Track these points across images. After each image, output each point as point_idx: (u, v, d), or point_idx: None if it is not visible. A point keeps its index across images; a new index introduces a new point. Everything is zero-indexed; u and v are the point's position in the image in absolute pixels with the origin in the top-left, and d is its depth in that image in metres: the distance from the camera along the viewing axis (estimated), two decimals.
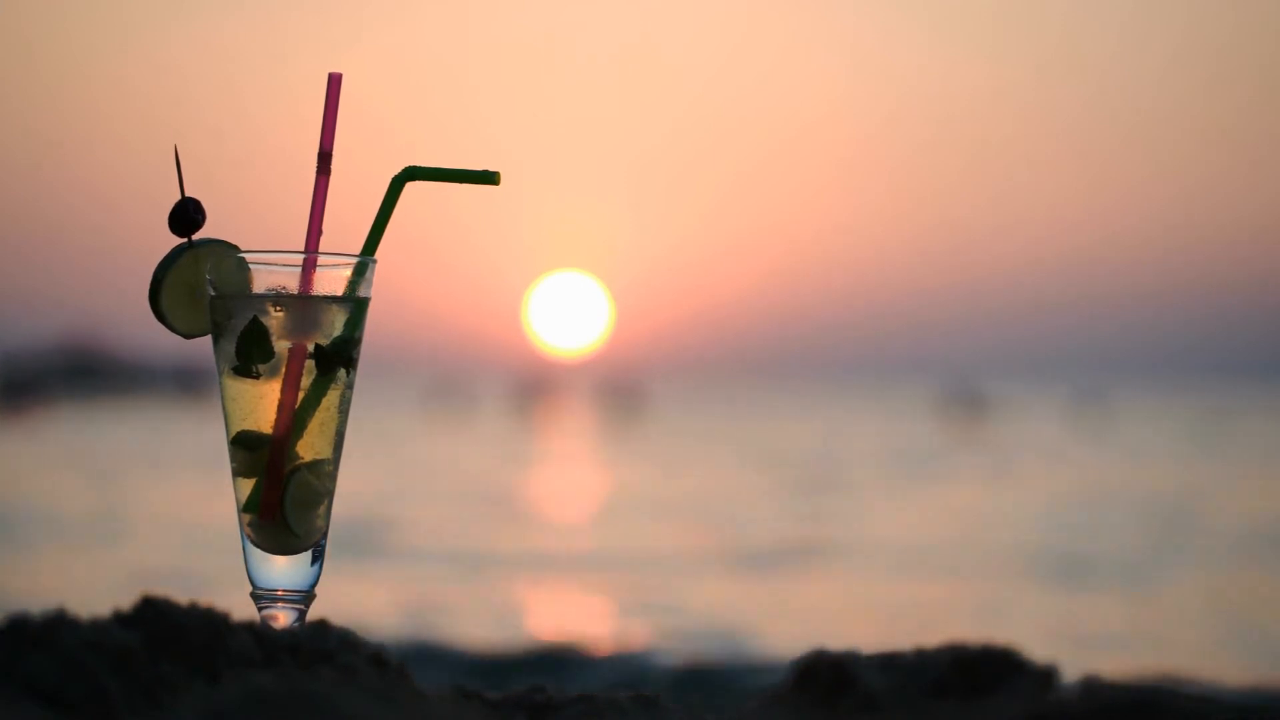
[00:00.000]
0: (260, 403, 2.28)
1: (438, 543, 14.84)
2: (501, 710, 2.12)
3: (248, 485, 2.29)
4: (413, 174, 2.31)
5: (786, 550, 14.44)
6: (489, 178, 2.34)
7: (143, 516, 16.64)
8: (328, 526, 2.32)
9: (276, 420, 2.27)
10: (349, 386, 2.31)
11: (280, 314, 2.28)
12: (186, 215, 2.30)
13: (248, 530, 2.30)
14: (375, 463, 26.40)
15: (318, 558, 2.31)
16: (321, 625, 1.95)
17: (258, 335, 2.27)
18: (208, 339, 2.32)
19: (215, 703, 1.68)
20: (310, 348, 2.28)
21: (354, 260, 2.30)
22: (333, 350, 2.28)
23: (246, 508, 2.29)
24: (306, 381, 2.28)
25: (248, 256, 2.29)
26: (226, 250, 2.30)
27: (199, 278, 2.31)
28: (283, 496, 2.27)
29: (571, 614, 11.07)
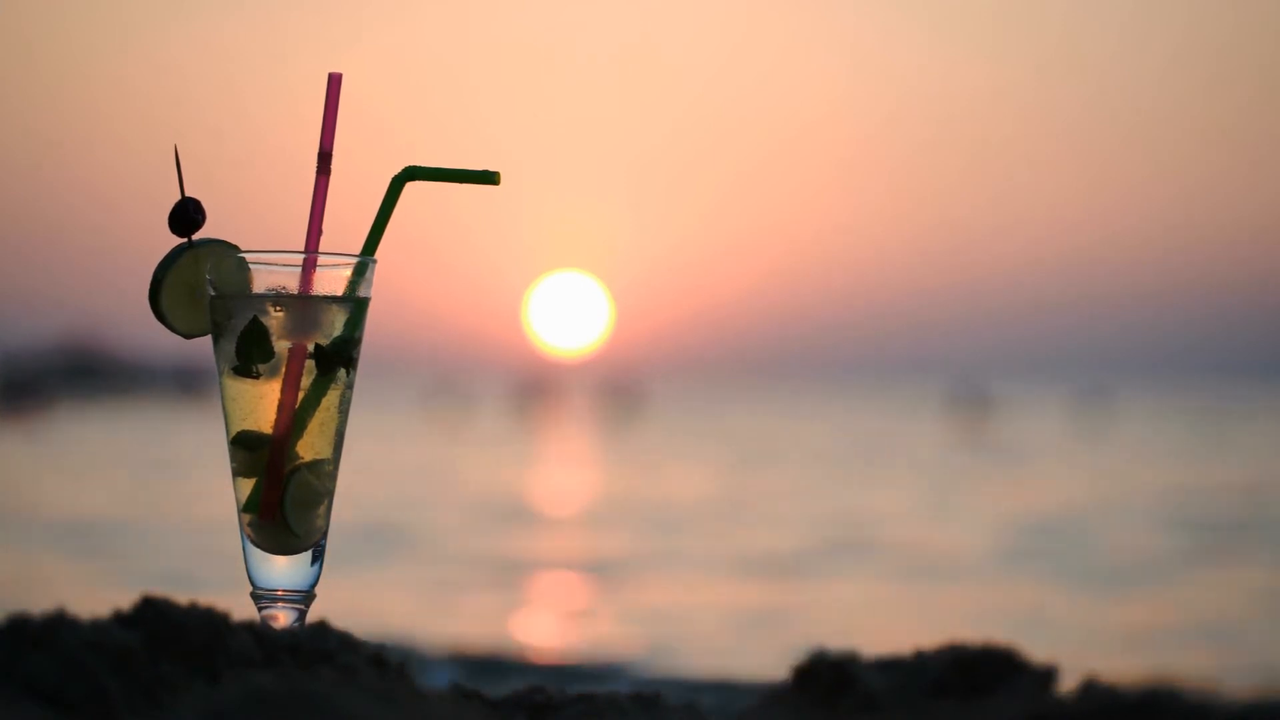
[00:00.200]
0: (260, 403, 2.28)
1: (439, 542, 14.85)
2: (501, 710, 2.12)
3: (248, 485, 2.29)
4: (413, 174, 2.32)
5: (787, 550, 14.44)
6: (489, 178, 2.34)
7: (143, 516, 16.65)
8: (328, 526, 2.32)
9: (276, 420, 2.27)
10: (349, 386, 2.31)
11: (280, 314, 2.28)
12: (186, 215, 2.30)
13: (248, 530, 2.30)
14: (375, 463, 26.41)
15: (318, 558, 2.31)
16: (321, 625, 1.95)
17: (258, 335, 2.27)
18: (208, 339, 2.32)
19: (215, 703, 1.68)
20: (310, 348, 2.28)
21: (354, 260, 2.30)
22: (333, 350, 2.28)
23: (246, 508, 2.29)
24: (306, 381, 2.28)
25: (248, 256, 2.29)
26: (226, 250, 2.30)
27: (199, 278, 2.31)
28: (283, 496, 2.27)
29: (571, 614, 11.07)
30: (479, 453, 32.44)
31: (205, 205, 2.31)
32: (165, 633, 1.84)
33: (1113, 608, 11.20)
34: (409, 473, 24.89)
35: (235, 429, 2.29)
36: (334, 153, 2.32)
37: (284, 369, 2.27)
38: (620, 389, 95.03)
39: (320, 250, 2.30)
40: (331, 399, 2.29)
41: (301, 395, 2.28)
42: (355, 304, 2.30)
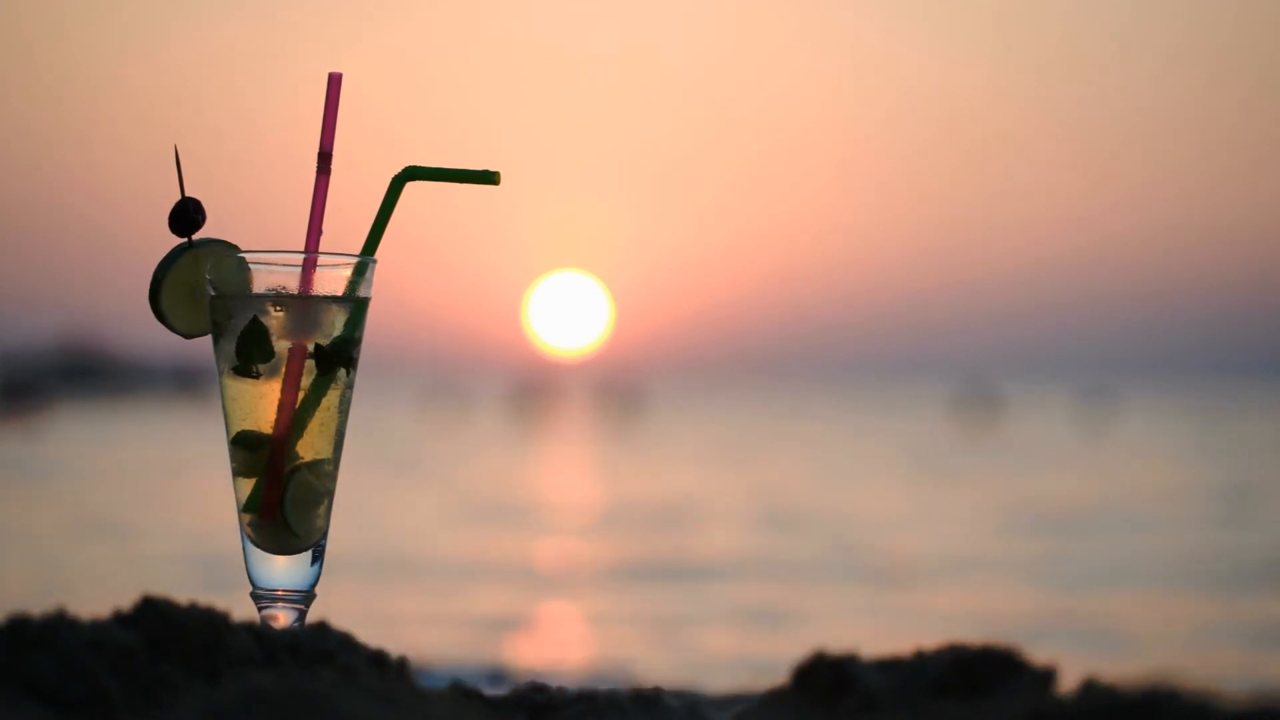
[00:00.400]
0: (260, 403, 2.28)
1: (436, 543, 14.85)
2: (501, 710, 2.12)
3: (248, 485, 2.29)
4: (413, 174, 2.32)
5: (787, 551, 14.44)
6: (489, 178, 2.34)
7: (142, 516, 16.65)
8: (328, 526, 2.32)
9: (276, 420, 2.27)
10: (349, 386, 2.31)
11: (280, 314, 2.28)
12: (186, 215, 2.31)
13: (248, 530, 2.30)
14: (374, 463, 26.42)
15: (318, 558, 2.31)
16: (321, 625, 1.95)
17: (258, 335, 2.27)
18: (208, 339, 2.32)
19: (215, 703, 1.68)
20: (310, 348, 2.28)
21: (354, 260, 2.31)
22: (333, 350, 2.29)
23: (246, 508, 2.30)
24: (306, 381, 2.28)
25: (248, 256, 2.29)
26: (226, 250, 2.31)
27: (199, 278, 2.31)
28: (283, 496, 2.28)
29: (571, 614, 11.07)
30: (479, 453, 32.45)
31: (205, 205, 2.31)
32: (165, 633, 1.84)
33: (1113, 607, 11.20)
34: (409, 472, 24.89)
35: (235, 429, 2.29)
36: (334, 153, 2.32)
37: (284, 369, 2.27)
38: (620, 389, 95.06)
39: (320, 250, 2.30)
40: (331, 399, 2.29)
41: (301, 395, 2.28)
42: (355, 304, 2.30)
